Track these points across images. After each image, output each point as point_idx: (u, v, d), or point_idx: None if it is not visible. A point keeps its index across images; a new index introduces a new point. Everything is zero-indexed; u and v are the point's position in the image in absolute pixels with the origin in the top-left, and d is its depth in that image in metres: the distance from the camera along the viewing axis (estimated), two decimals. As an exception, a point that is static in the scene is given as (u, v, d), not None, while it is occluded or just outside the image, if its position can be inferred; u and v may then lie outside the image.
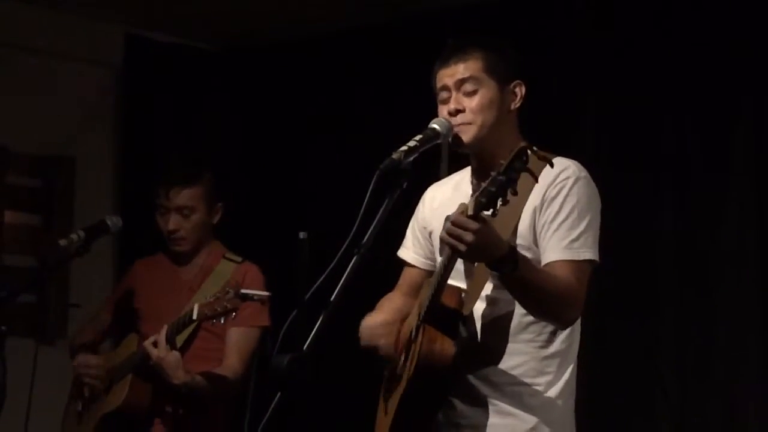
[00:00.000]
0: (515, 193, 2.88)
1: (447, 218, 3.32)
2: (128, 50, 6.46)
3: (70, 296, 6.12)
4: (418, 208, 3.55)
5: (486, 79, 3.31)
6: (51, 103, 6.19)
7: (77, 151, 6.31)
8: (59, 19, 6.16)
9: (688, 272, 5.03)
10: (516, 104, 3.35)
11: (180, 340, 4.43)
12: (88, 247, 4.56)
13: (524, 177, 3.01)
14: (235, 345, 4.53)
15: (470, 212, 2.92)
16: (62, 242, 4.54)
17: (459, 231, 2.93)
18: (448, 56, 3.35)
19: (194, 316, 4.26)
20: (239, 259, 4.69)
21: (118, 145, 6.49)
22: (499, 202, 2.88)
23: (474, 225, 2.92)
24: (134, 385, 4.46)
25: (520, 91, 3.35)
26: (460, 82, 3.31)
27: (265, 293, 4.26)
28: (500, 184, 2.86)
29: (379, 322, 3.38)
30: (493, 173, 2.89)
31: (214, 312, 4.20)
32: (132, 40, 6.46)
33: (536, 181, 3.00)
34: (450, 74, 3.33)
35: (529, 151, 2.87)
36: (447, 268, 3.16)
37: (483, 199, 2.89)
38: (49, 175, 6.26)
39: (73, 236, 4.55)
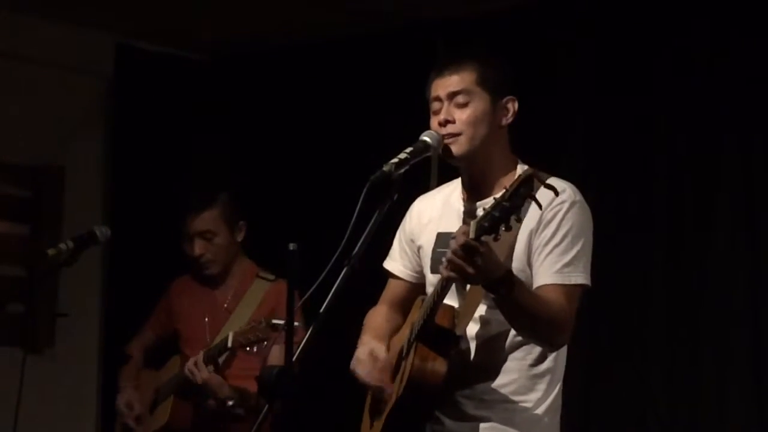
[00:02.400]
0: (519, 221, 2.88)
1: (439, 236, 3.32)
2: (119, 60, 6.45)
3: (58, 306, 6.10)
4: (405, 220, 3.53)
5: (479, 92, 3.28)
6: (41, 112, 6.18)
7: (66, 161, 6.30)
8: (49, 28, 6.15)
9: (677, 295, 5.02)
10: (507, 120, 3.33)
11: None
12: (76, 257, 4.56)
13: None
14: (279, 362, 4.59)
15: (472, 235, 2.90)
16: (51, 252, 4.53)
17: (463, 254, 2.92)
18: (442, 66, 3.33)
19: (229, 344, 4.40)
20: (272, 277, 4.77)
21: (107, 154, 6.47)
22: (502, 228, 2.86)
23: (478, 248, 2.91)
24: (175, 406, 4.66)
25: (513, 107, 3.33)
26: (453, 94, 3.29)
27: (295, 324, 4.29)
28: (504, 210, 2.85)
29: (365, 355, 3.37)
30: (496, 197, 2.88)
31: (248, 341, 4.34)
32: (122, 50, 6.45)
33: (540, 209, 3.01)
34: (443, 85, 3.31)
35: (535, 179, 2.86)
36: (444, 288, 3.15)
37: (486, 224, 2.87)
38: (38, 185, 6.24)
39: (62, 246, 4.54)
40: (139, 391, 4.89)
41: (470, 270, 2.93)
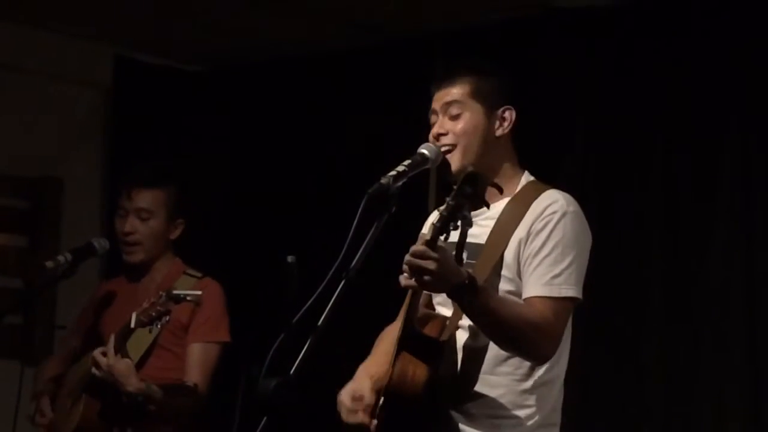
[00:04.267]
0: (465, 218, 2.89)
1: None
2: (117, 71, 6.46)
3: (56, 318, 6.09)
4: (421, 232, 3.51)
5: (471, 103, 3.29)
6: (39, 123, 6.18)
7: (65, 173, 6.30)
8: (48, 39, 6.16)
9: (674, 301, 5.02)
10: (505, 129, 3.32)
11: (135, 356, 4.32)
12: (74, 269, 4.54)
13: (513, 205, 3.00)
14: (197, 360, 4.42)
15: (428, 237, 2.93)
16: (49, 264, 4.52)
17: (417, 261, 2.92)
18: (439, 79, 3.35)
19: (132, 325, 4.17)
20: (199, 274, 4.56)
21: (106, 166, 6.48)
22: (450, 227, 2.89)
23: (431, 254, 2.91)
24: (87, 405, 4.34)
25: (510, 116, 3.32)
26: (447, 106, 3.31)
27: (198, 293, 4.18)
28: (450, 210, 2.89)
29: (347, 394, 3.30)
30: (447, 198, 2.92)
31: (150, 317, 4.14)
32: (121, 61, 6.46)
33: (487, 207, 3.01)
34: (439, 98, 3.33)
35: (478, 177, 2.89)
36: (415, 295, 3.15)
37: (438, 224, 2.91)
38: (37, 197, 6.24)
39: (60, 258, 4.53)
40: (58, 394, 4.58)
41: (424, 277, 2.92)
